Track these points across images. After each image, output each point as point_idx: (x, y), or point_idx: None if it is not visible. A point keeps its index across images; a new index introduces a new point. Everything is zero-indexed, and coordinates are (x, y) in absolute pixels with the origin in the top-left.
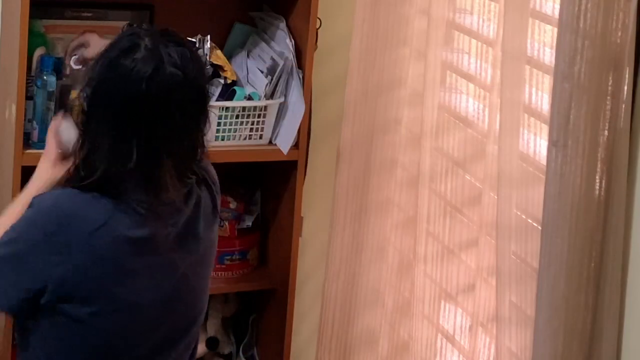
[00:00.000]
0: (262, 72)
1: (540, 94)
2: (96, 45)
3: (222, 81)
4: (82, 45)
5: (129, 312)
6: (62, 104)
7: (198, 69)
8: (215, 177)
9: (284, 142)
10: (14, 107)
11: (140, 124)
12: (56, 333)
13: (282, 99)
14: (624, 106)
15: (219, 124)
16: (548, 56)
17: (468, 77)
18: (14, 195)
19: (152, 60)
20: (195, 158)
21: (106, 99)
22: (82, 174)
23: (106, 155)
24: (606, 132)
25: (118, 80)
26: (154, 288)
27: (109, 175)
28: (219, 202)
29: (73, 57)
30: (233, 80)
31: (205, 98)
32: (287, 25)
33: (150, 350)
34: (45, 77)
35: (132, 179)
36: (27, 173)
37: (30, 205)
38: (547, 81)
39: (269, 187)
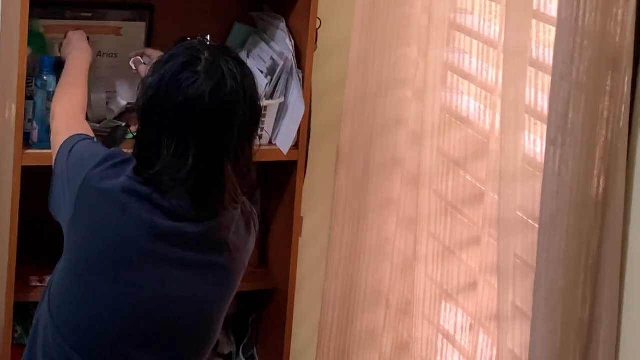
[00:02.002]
0: (262, 72)
1: (541, 95)
2: None
3: None
4: (147, 55)
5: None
6: None
7: (254, 84)
8: (256, 219)
9: (284, 142)
10: (14, 107)
11: (199, 135)
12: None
13: (282, 99)
14: (623, 106)
15: None
16: (550, 57)
17: (470, 78)
18: (14, 195)
19: (214, 74)
20: (249, 175)
21: (166, 108)
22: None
23: (162, 160)
24: (604, 132)
25: (179, 93)
26: (149, 272)
27: (159, 174)
28: (253, 238)
29: (133, 59)
30: None
31: (259, 115)
32: (287, 25)
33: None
34: (45, 77)
35: (180, 183)
36: (27, 173)
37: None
38: (548, 81)
39: (269, 187)
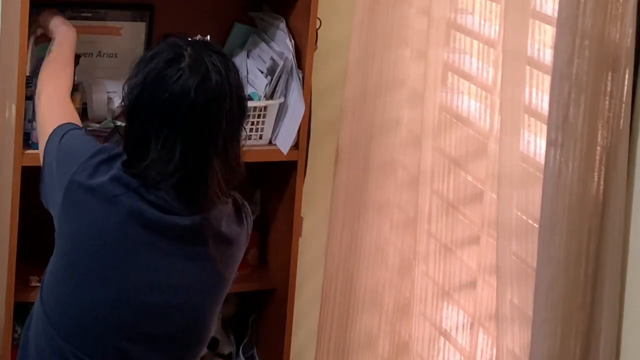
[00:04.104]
0: (262, 72)
1: (540, 95)
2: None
3: None
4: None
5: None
6: None
7: (238, 77)
8: (248, 210)
9: (284, 143)
10: (14, 107)
11: (186, 130)
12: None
13: (282, 99)
14: (623, 106)
15: None
16: (549, 57)
17: (469, 78)
18: (14, 195)
19: (198, 69)
20: (239, 168)
21: (152, 106)
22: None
23: (149, 157)
24: (604, 132)
25: (164, 90)
26: (143, 265)
27: (145, 170)
28: (245, 230)
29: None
30: None
31: (245, 106)
32: (287, 26)
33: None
34: None
35: (166, 178)
36: (27, 173)
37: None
38: (547, 82)
39: (269, 187)
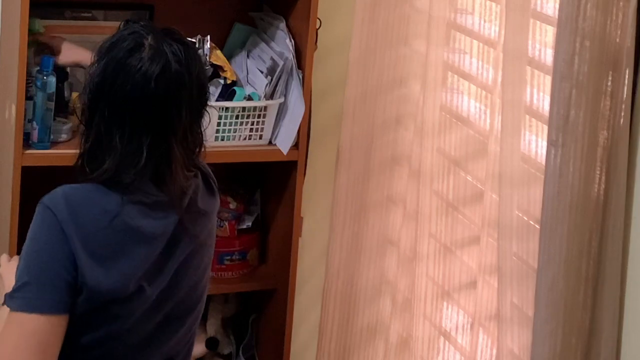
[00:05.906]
0: (262, 72)
1: (541, 95)
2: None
3: (222, 81)
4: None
5: (135, 298)
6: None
7: (200, 65)
8: (213, 175)
9: (284, 143)
10: (14, 107)
11: (149, 122)
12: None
13: (282, 99)
14: (623, 106)
15: (218, 125)
16: (549, 57)
17: (469, 78)
18: (14, 195)
19: (158, 59)
20: (200, 151)
21: (113, 97)
22: (87, 169)
23: (115, 152)
24: (605, 132)
25: (126, 80)
26: (156, 274)
27: (118, 171)
28: (217, 197)
29: None
30: (233, 81)
31: (207, 94)
32: (287, 26)
33: (152, 331)
34: (45, 77)
35: (141, 174)
36: (27, 173)
37: (40, 204)
38: (548, 82)
39: (269, 187)
